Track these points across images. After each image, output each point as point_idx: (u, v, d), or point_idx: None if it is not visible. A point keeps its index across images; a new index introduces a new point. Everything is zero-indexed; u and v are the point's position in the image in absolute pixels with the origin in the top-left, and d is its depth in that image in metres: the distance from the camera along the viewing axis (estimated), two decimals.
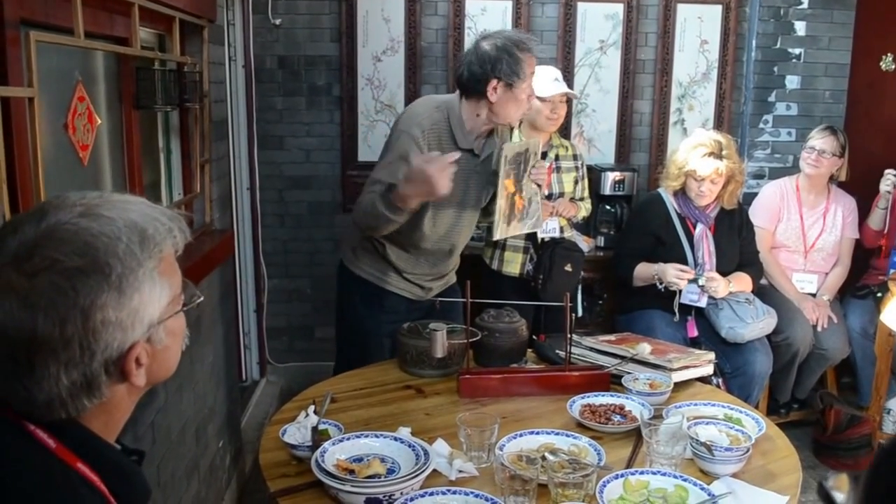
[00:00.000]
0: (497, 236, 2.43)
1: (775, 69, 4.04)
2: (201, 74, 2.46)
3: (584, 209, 3.21)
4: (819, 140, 3.41)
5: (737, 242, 3.13)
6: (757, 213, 3.43)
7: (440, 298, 2.40)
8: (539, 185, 2.50)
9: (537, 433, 1.74)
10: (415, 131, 2.28)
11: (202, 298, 0.99)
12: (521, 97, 2.30)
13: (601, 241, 3.71)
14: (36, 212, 0.84)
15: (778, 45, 4.03)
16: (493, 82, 2.26)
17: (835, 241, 3.50)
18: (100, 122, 1.85)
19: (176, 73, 2.28)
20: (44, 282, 0.79)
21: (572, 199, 3.14)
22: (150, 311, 0.86)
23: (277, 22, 3.76)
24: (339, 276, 2.60)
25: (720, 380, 2.88)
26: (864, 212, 3.53)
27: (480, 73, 2.26)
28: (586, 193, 3.25)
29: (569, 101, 3.14)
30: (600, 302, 3.69)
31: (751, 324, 2.94)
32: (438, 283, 2.56)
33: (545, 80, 3.00)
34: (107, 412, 0.89)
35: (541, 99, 2.96)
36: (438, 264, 2.51)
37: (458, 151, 2.21)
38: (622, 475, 1.55)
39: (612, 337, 2.37)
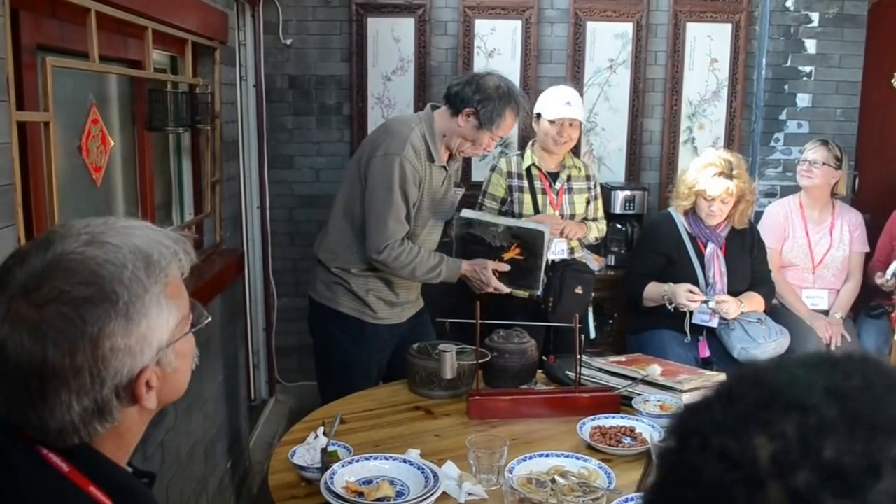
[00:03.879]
0: None
1: (786, 87, 4.04)
2: (213, 95, 2.49)
3: (597, 229, 3.14)
4: (810, 151, 3.42)
5: (748, 262, 3.11)
6: (763, 234, 3.41)
7: (450, 320, 2.40)
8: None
9: (547, 455, 1.73)
10: (409, 154, 2.37)
11: (210, 318, 0.99)
12: (481, 140, 2.42)
13: (612, 259, 3.69)
14: (42, 241, 0.85)
15: (788, 63, 4.02)
16: (469, 110, 2.38)
17: (843, 256, 3.47)
18: (113, 144, 1.86)
19: (188, 95, 2.30)
20: (52, 312, 0.80)
21: (585, 220, 3.10)
22: (159, 335, 0.87)
23: (288, 42, 3.79)
24: (313, 314, 2.63)
25: None
26: (871, 228, 3.51)
27: (468, 96, 2.38)
28: (600, 214, 3.19)
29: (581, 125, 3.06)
30: (611, 321, 3.67)
31: (763, 344, 2.91)
32: (412, 305, 2.64)
33: (556, 102, 2.95)
34: (119, 436, 0.89)
35: (549, 121, 2.95)
36: (412, 285, 2.59)
37: (437, 170, 2.45)
38: (632, 499, 1.54)
39: (622, 358, 2.36)
